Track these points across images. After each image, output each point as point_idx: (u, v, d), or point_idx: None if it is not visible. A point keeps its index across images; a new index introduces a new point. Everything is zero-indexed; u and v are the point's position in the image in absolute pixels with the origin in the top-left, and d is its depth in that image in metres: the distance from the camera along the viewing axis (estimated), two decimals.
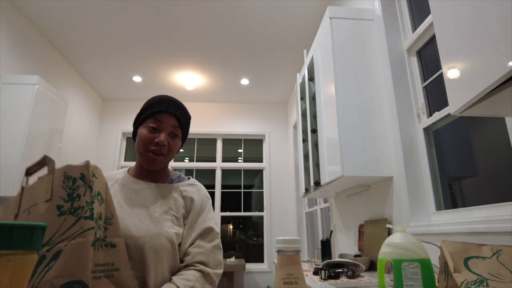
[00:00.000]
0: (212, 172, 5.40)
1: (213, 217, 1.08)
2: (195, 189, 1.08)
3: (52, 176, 0.77)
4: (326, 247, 2.62)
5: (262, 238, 5.18)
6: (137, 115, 1.07)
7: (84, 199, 0.76)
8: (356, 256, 2.15)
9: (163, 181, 1.08)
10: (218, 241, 1.03)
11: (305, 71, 2.87)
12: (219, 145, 5.52)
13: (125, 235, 0.88)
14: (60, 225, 0.73)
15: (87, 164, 0.79)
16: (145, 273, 0.90)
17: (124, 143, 5.44)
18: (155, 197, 1.01)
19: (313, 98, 2.73)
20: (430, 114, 1.87)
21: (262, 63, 4.35)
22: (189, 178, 1.13)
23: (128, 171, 1.10)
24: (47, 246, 0.71)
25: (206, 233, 1.01)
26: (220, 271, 1.00)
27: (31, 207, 0.77)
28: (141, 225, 0.94)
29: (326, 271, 1.63)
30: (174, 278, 0.92)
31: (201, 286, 0.92)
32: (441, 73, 1.73)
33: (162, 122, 1.00)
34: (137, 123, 1.05)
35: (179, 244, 0.98)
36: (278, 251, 0.51)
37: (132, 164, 1.15)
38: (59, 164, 0.78)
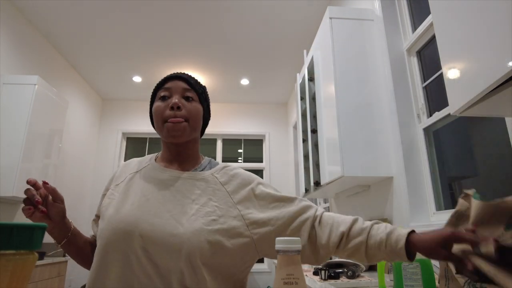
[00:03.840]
0: None
1: (274, 189, 0.91)
2: (233, 172, 0.91)
3: None
4: None
5: None
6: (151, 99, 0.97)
7: None
8: None
9: (194, 168, 0.92)
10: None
11: (305, 71, 2.87)
12: (219, 145, 5.52)
13: (155, 238, 0.74)
14: None
15: None
16: (183, 281, 0.72)
17: (124, 143, 5.44)
18: (189, 189, 0.84)
19: (313, 98, 2.73)
20: (430, 114, 1.87)
21: (262, 63, 4.35)
22: (219, 164, 0.97)
23: (155, 158, 0.96)
24: None
25: (289, 200, 0.87)
26: None
27: None
28: (175, 223, 0.76)
29: (326, 271, 1.63)
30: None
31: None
32: (441, 73, 1.73)
33: (171, 87, 0.90)
34: (151, 105, 0.94)
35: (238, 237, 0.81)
36: (278, 251, 0.51)
37: None
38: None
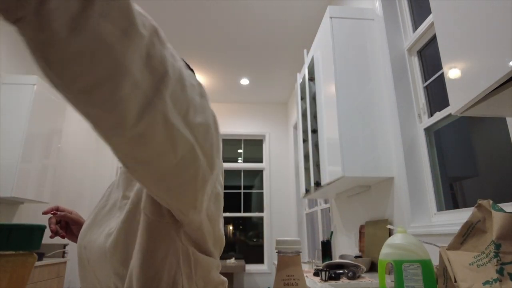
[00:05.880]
0: None
1: None
2: None
3: None
4: (326, 248, 2.61)
5: (262, 239, 5.17)
6: None
7: None
8: (356, 257, 2.15)
9: None
10: None
11: (305, 71, 2.86)
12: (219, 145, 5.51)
13: (92, 249, 0.63)
14: None
15: None
16: None
17: None
18: (127, 183, 0.69)
19: (313, 98, 2.73)
20: (431, 114, 1.86)
21: (262, 63, 4.34)
22: None
23: None
24: None
25: None
26: None
27: None
28: (110, 230, 0.63)
29: (327, 272, 1.63)
30: None
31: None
32: (442, 73, 1.72)
33: None
34: None
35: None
36: (278, 252, 0.51)
37: None
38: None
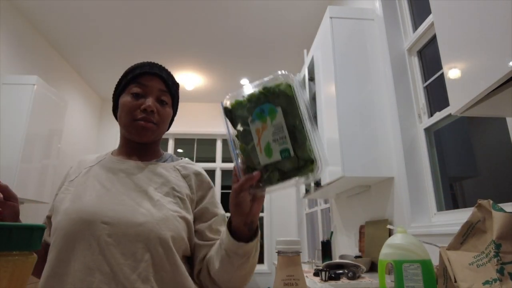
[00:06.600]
0: (212, 172, 5.39)
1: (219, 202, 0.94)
2: (194, 168, 0.91)
3: None
4: (326, 248, 2.61)
5: (262, 239, 5.17)
6: (117, 84, 0.92)
7: None
8: (356, 257, 2.15)
9: (155, 160, 0.91)
10: None
11: (305, 71, 2.86)
12: (219, 145, 5.51)
13: (120, 224, 0.73)
14: None
15: None
16: (154, 267, 0.72)
17: None
18: (150, 178, 0.83)
19: (313, 98, 2.73)
20: (431, 114, 1.86)
21: (262, 63, 4.34)
22: (181, 159, 0.97)
23: (112, 153, 0.94)
24: None
25: (220, 219, 0.89)
26: None
27: None
28: (141, 210, 0.75)
29: (327, 272, 1.63)
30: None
31: None
32: (442, 73, 1.72)
33: (147, 86, 0.86)
34: (117, 93, 0.91)
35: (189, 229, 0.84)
36: (278, 252, 0.51)
37: None
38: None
